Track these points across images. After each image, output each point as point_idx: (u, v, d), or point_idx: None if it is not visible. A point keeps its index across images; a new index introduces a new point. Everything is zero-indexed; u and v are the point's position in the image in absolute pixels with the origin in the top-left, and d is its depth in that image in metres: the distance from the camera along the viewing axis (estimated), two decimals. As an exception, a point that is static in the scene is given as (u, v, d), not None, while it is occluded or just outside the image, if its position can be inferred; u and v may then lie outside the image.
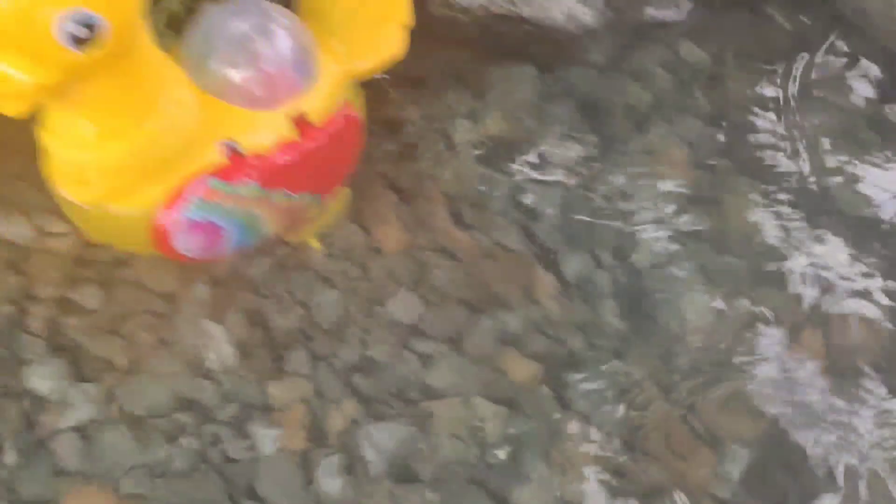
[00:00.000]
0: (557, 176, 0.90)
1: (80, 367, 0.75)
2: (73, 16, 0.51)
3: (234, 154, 0.66)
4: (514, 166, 0.90)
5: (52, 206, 0.76)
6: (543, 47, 0.93)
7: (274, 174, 0.68)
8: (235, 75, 0.66)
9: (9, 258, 0.79)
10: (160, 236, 0.66)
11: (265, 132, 0.67)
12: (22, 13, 0.50)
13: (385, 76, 0.90)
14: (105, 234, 0.71)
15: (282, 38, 0.66)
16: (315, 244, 0.82)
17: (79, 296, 0.78)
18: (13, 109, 0.55)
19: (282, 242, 0.81)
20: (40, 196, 0.78)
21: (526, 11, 0.83)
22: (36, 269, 0.79)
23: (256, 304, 0.80)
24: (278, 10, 0.68)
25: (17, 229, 0.80)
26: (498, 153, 0.91)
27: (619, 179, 0.92)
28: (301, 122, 0.69)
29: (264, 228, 0.71)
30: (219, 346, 0.78)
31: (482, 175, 0.89)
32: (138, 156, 0.62)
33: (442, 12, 0.84)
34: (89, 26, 0.52)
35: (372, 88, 0.78)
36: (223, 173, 0.66)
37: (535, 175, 0.90)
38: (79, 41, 0.52)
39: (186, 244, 0.67)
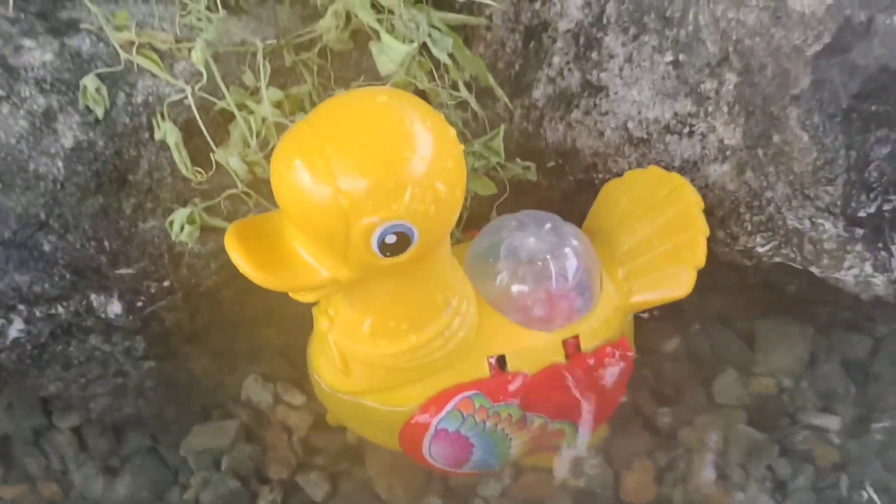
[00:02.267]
0: (812, 446, 0.82)
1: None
2: (393, 227, 0.51)
3: (502, 371, 0.63)
4: (778, 431, 0.83)
5: (296, 379, 0.77)
6: (824, 308, 0.86)
7: (537, 397, 0.64)
8: (519, 292, 0.64)
9: (248, 423, 0.79)
10: (410, 437, 0.63)
11: (536, 353, 0.65)
12: (349, 219, 0.50)
13: (651, 313, 0.86)
14: (353, 423, 0.69)
15: (571, 261, 0.64)
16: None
17: (306, 483, 0.76)
18: (304, 298, 0.56)
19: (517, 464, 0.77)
20: (288, 366, 0.80)
21: (814, 268, 0.78)
22: (270, 441, 0.78)
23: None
24: (571, 230, 0.66)
25: (261, 394, 0.80)
26: (762, 413, 0.84)
27: (875, 465, 0.82)
28: (571, 347, 0.66)
29: (512, 451, 0.67)
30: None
31: (745, 433, 0.82)
32: (407, 358, 0.60)
33: (724, 253, 0.80)
34: (402, 237, 0.51)
35: (638, 318, 0.75)
36: (487, 389, 0.63)
37: (793, 441, 0.82)
38: (387, 249, 0.52)
39: (433, 451, 0.64)
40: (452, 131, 0.53)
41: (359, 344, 0.60)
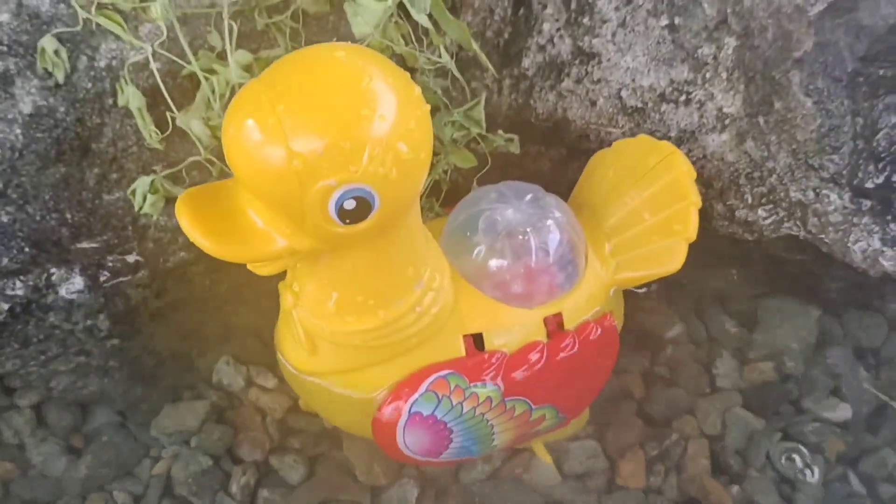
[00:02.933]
0: (821, 438, 0.77)
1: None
2: (351, 191, 0.47)
3: (478, 350, 0.60)
4: (781, 416, 0.78)
5: (270, 361, 0.73)
6: (830, 284, 0.82)
7: (517, 378, 0.61)
8: (497, 267, 0.60)
9: (219, 404, 0.76)
10: (383, 426, 0.60)
11: (515, 331, 0.61)
12: (303, 182, 0.46)
13: (647, 288, 0.83)
14: (323, 409, 0.65)
15: (553, 234, 0.61)
16: (545, 456, 0.73)
17: (281, 466, 0.73)
18: (262, 270, 0.53)
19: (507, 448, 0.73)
20: (261, 347, 0.77)
21: (820, 241, 0.74)
22: (242, 422, 0.75)
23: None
24: (553, 201, 0.62)
25: (232, 376, 0.77)
26: (765, 397, 0.79)
27: (892, 458, 0.77)
28: (553, 325, 0.62)
29: (495, 439, 0.64)
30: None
31: (744, 419, 0.77)
32: (376, 336, 0.56)
33: (724, 227, 0.76)
34: (361, 202, 0.48)
35: (630, 297, 0.71)
36: (464, 369, 0.59)
37: (798, 435, 0.78)
38: (346, 215, 0.48)
39: (408, 440, 0.60)
40: (417, 90, 0.49)
41: (324, 321, 0.56)
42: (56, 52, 0.64)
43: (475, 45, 0.71)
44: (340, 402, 0.60)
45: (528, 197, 0.61)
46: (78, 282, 0.66)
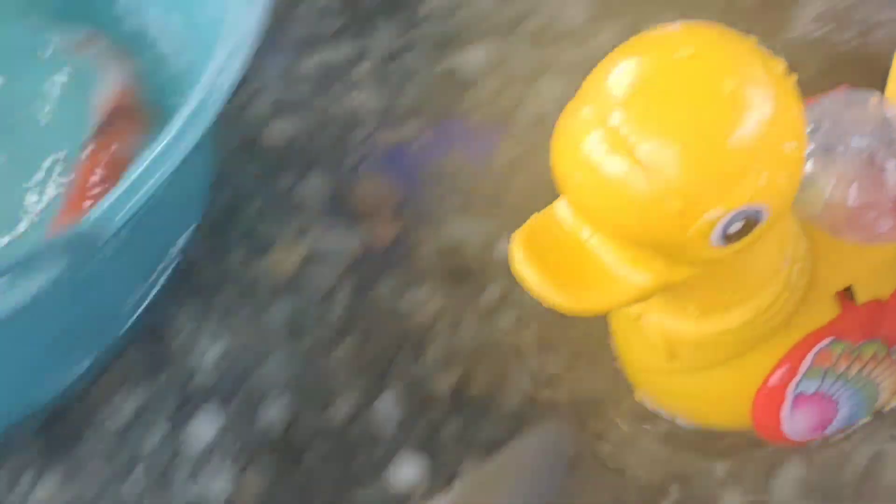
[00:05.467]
0: None
1: None
2: (740, 214, 0.39)
3: (853, 305, 0.51)
4: None
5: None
6: None
7: (896, 322, 0.52)
8: (856, 204, 0.51)
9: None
10: (763, 415, 0.53)
11: (886, 272, 0.52)
12: (685, 223, 0.38)
13: None
14: (685, 406, 0.58)
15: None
16: None
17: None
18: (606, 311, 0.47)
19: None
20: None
21: None
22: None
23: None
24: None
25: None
26: None
27: None
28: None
29: (879, 396, 0.56)
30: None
31: None
32: (750, 328, 0.48)
33: None
34: (749, 220, 0.39)
35: None
36: (842, 331, 0.51)
37: None
38: (731, 238, 0.40)
39: (794, 424, 0.53)
40: (780, 64, 0.39)
41: (684, 324, 0.49)
42: None
43: None
44: (709, 394, 0.54)
45: (872, 113, 0.51)
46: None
